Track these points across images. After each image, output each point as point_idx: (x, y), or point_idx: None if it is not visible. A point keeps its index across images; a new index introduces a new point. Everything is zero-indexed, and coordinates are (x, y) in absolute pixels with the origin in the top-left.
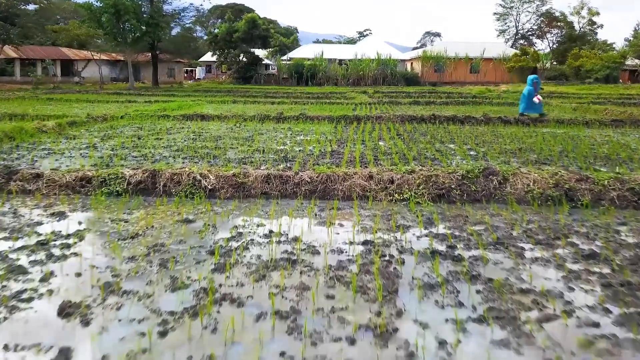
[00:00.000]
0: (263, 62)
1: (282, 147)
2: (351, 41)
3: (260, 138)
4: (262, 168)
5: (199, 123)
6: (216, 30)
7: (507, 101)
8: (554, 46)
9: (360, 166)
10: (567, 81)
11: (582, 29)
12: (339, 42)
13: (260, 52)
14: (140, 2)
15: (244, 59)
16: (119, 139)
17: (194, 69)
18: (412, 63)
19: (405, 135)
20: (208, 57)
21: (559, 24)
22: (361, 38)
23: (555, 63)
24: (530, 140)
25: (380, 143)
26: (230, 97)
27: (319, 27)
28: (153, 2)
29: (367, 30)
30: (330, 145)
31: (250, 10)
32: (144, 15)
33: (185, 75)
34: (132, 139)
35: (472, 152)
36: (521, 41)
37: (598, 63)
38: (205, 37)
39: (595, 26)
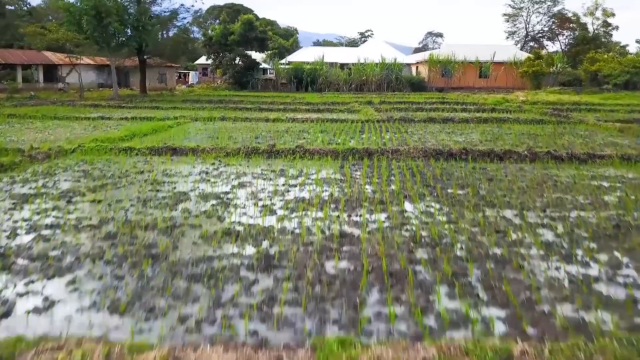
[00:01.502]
0: (260, 66)
1: (267, 223)
2: (353, 42)
3: (239, 195)
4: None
5: (167, 163)
6: (211, 33)
7: (533, 117)
8: (566, 48)
9: (391, 287)
10: (582, 86)
11: (595, 31)
12: (340, 44)
13: (257, 56)
14: (125, 4)
15: (240, 63)
16: (40, 201)
17: (188, 72)
18: (417, 67)
19: (436, 186)
20: (204, 59)
21: (571, 25)
22: (362, 39)
23: (568, 67)
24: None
25: (407, 207)
26: (220, 110)
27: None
28: (140, 3)
29: (368, 31)
30: (338, 216)
31: (249, 11)
32: (130, 18)
33: (179, 79)
34: (58, 200)
35: (548, 235)
36: (531, 43)
37: (617, 68)
38: (202, 38)
39: (609, 28)
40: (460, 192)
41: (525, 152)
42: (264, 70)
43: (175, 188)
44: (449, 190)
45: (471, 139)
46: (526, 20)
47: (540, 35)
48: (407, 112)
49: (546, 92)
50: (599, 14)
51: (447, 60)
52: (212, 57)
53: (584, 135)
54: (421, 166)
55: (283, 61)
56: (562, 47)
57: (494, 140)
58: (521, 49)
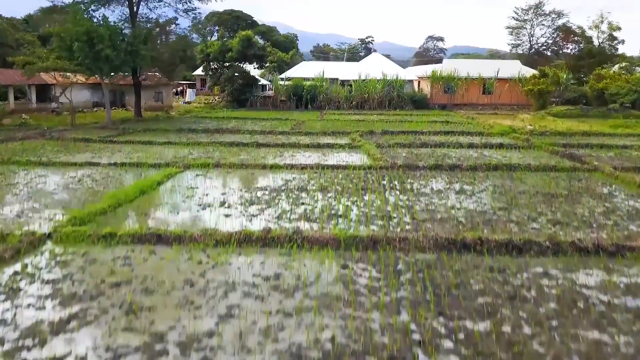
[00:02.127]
0: (260, 83)
1: None
2: (353, 49)
3: (225, 340)
4: None
5: (149, 259)
6: (208, 48)
7: (544, 160)
8: (571, 62)
9: None
10: (589, 105)
11: (601, 44)
12: (341, 50)
13: (256, 72)
14: (118, 29)
15: (239, 80)
16: None
17: (184, 89)
18: (419, 82)
19: (453, 314)
20: (202, 70)
21: (576, 38)
22: (363, 45)
23: (574, 83)
24: None
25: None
26: (215, 146)
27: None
28: (134, 25)
29: (369, 37)
30: None
31: (248, 18)
32: (123, 41)
33: (176, 95)
34: None
35: None
36: (535, 56)
37: (624, 86)
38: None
39: (615, 42)
40: (481, 328)
41: (547, 242)
42: (263, 87)
43: (153, 323)
44: (468, 326)
45: (483, 204)
46: (530, 32)
47: (545, 48)
48: (410, 151)
49: (552, 115)
50: (604, 27)
51: (449, 77)
52: (210, 73)
53: (604, 197)
54: (433, 266)
55: (282, 76)
56: (567, 61)
57: (508, 208)
58: (525, 63)
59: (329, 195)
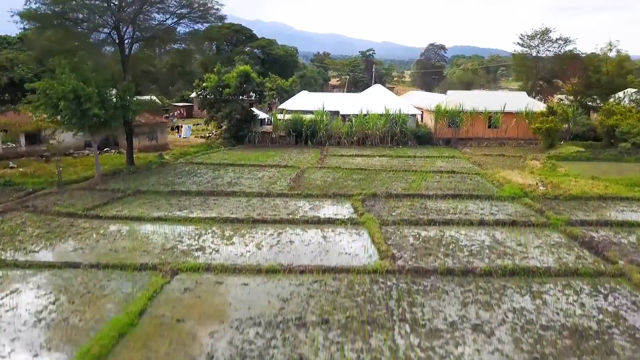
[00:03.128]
0: (258, 117)
1: None
2: (354, 61)
3: None
4: None
5: None
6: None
7: (565, 264)
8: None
9: None
10: (597, 139)
11: (609, 73)
12: (342, 63)
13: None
14: (106, 88)
15: (237, 116)
16: None
17: (180, 125)
18: (422, 113)
19: None
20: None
21: (583, 66)
22: (364, 57)
23: (583, 115)
24: None
25: None
26: (208, 223)
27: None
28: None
29: (370, 50)
30: None
31: (247, 31)
32: (112, 98)
33: (172, 130)
34: None
35: None
36: (541, 83)
37: (636, 125)
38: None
39: (624, 71)
40: None
41: None
42: (262, 121)
43: None
44: None
45: (505, 356)
46: (536, 59)
47: (551, 75)
48: (418, 234)
49: (562, 159)
50: (612, 54)
51: (454, 111)
52: (207, 108)
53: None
54: None
55: (282, 105)
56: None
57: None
58: (531, 92)
59: (331, 335)
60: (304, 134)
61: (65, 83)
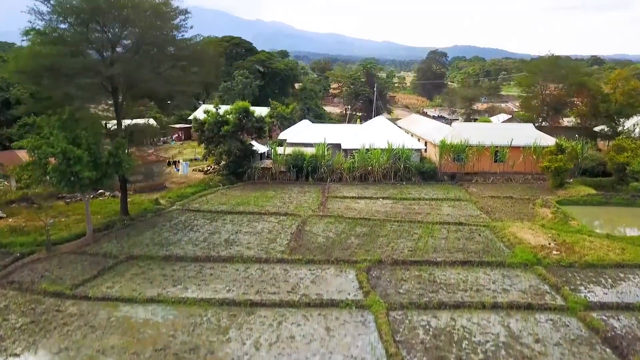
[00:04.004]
0: (258, 152)
1: None
2: (355, 74)
3: None
4: None
5: None
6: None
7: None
8: (584, 118)
9: None
10: (607, 174)
11: (617, 103)
12: (342, 76)
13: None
14: (95, 148)
15: (236, 152)
16: None
17: (177, 160)
18: (425, 145)
19: None
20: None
21: (590, 94)
22: (364, 69)
23: (592, 149)
24: None
25: None
26: (203, 306)
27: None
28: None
29: (370, 63)
30: None
31: (246, 44)
32: (102, 160)
33: (169, 165)
34: None
35: None
36: (547, 110)
37: None
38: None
39: (632, 100)
40: None
41: None
42: (262, 155)
43: None
44: None
45: None
46: (542, 84)
47: (557, 101)
48: (427, 322)
49: (572, 203)
50: (621, 82)
51: (459, 146)
52: (204, 143)
53: None
54: None
55: (282, 135)
56: (581, 117)
57: None
58: (537, 121)
59: None
60: (305, 169)
61: (54, 144)
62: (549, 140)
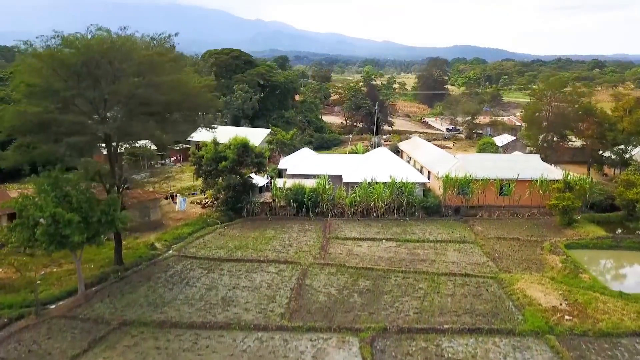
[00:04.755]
0: (257, 185)
1: None
2: (355, 87)
3: None
4: None
5: None
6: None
7: None
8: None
9: None
10: (615, 208)
11: (625, 131)
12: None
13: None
14: (86, 206)
15: (235, 187)
16: None
17: (174, 193)
18: (429, 177)
19: None
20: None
21: (597, 120)
22: (365, 81)
23: (600, 183)
24: None
25: None
26: None
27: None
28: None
29: (371, 75)
30: None
31: (246, 57)
32: (94, 219)
33: (166, 199)
34: None
35: None
36: (552, 134)
37: None
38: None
39: None
40: None
41: None
42: (262, 188)
43: None
44: None
45: None
46: (547, 110)
47: (562, 126)
48: None
49: (582, 246)
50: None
51: (464, 180)
52: (202, 177)
53: None
54: None
55: (283, 164)
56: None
57: None
58: (542, 143)
59: None
60: (306, 204)
61: (43, 207)
62: (555, 173)
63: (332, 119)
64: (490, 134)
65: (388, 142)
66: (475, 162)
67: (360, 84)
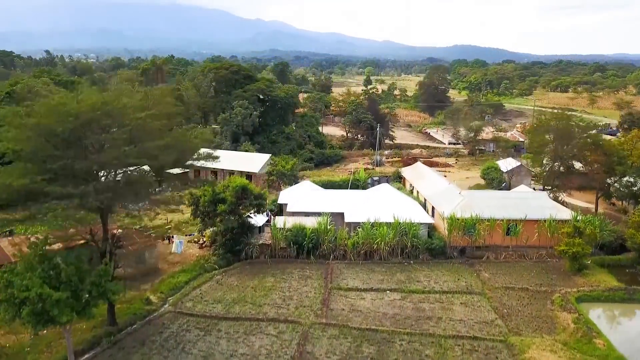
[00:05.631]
0: (256, 225)
1: None
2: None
3: None
4: None
5: None
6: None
7: None
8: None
9: None
10: (625, 248)
11: (634, 165)
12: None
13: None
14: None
15: (233, 229)
16: None
17: (171, 236)
18: (434, 213)
19: None
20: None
21: (605, 153)
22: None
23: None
24: None
25: None
26: None
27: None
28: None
29: (372, 88)
30: None
31: (245, 72)
32: (84, 292)
33: (162, 239)
34: None
35: None
36: (558, 164)
37: None
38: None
39: None
40: None
41: None
42: (261, 229)
43: None
44: None
45: None
46: (554, 145)
47: (569, 158)
48: None
49: (593, 298)
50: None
51: (470, 221)
52: (199, 217)
53: None
54: None
55: (282, 198)
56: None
57: None
58: (548, 176)
59: None
60: (306, 247)
61: (29, 286)
62: (564, 213)
63: (333, 130)
64: (493, 150)
65: (389, 159)
66: (481, 200)
67: (361, 97)
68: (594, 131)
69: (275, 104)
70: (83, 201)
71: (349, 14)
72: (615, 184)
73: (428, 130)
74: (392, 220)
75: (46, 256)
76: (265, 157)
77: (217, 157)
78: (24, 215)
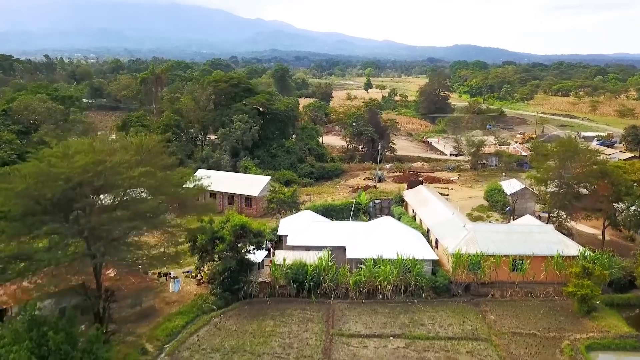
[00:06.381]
0: (255, 262)
1: None
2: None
3: None
4: None
5: None
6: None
7: None
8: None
9: None
10: (634, 284)
11: None
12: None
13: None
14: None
15: (231, 267)
16: None
17: (168, 273)
18: (437, 245)
19: None
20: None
21: (613, 187)
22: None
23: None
24: None
25: None
26: None
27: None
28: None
29: (373, 100)
30: None
31: (245, 84)
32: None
33: (159, 276)
34: None
35: None
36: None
37: None
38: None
39: None
40: None
41: None
42: (260, 265)
43: None
44: None
45: None
46: (561, 171)
47: (575, 184)
48: None
49: (603, 346)
50: None
51: (475, 257)
52: (197, 254)
53: None
54: None
55: (282, 229)
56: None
57: None
58: (554, 202)
59: None
60: (307, 285)
61: (16, 355)
62: (571, 249)
63: (333, 140)
64: (495, 165)
65: (391, 173)
66: (486, 234)
67: (362, 109)
68: (592, 142)
69: (275, 116)
70: (75, 266)
71: (349, 14)
72: (623, 213)
73: (429, 140)
74: (395, 257)
75: (35, 322)
76: (265, 180)
77: (208, 186)
78: (15, 271)
